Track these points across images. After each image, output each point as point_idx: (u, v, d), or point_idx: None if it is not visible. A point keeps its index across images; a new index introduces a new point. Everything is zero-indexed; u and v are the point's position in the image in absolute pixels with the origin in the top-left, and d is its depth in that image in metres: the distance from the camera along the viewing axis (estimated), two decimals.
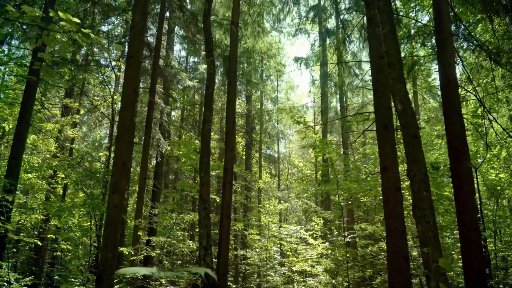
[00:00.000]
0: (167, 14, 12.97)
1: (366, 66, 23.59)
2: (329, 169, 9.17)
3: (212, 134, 27.26)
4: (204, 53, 17.22)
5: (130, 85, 6.56)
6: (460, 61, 7.17)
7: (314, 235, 12.69)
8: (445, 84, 6.38)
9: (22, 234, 16.50)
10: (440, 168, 7.53)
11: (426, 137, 10.84)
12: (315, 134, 8.97)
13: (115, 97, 19.77)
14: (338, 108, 24.46)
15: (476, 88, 7.21)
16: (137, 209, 11.07)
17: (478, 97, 6.45)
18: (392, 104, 6.07)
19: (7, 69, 14.62)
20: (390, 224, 4.93)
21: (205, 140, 6.77)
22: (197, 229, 7.40)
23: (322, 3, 22.00)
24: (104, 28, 17.64)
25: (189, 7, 11.06)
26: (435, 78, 20.06)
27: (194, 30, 12.51)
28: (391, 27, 4.36)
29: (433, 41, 11.19)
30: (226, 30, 10.38)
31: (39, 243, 10.40)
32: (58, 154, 16.77)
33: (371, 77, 6.03)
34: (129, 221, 12.93)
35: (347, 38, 21.30)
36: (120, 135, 6.29)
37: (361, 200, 8.56)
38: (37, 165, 15.16)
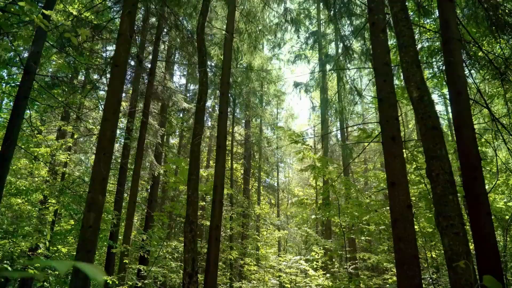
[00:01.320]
0: (166, 34, 12.70)
1: (367, 92, 23.33)
2: (330, 191, 8.55)
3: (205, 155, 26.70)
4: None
5: (114, 94, 6.06)
6: (469, 73, 6.70)
7: (315, 266, 11.89)
8: (455, 96, 5.88)
9: (6, 262, 15.65)
10: None
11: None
12: (314, 155, 8.42)
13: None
14: (339, 135, 24.02)
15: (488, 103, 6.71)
16: (124, 235, 10.36)
17: (490, 110, 5.92)
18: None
19: None
20: (401, 248, 4.29)
21: (194, 155, 6.20)
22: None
23: (322, 29, 21.92)
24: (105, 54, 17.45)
25: (185, 25, 10.72)
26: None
27: (191, 50, 12.18)
28: (402, 5, 3.87)
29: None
30: (221, 46, 10.05)
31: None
32: (48, 179, 16.16)
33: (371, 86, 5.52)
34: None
35: (348, 64, 21.10)
36: (100, 147, 5.73)
37: (364, 224, 7.88)
38: (24, 188, 14.52)
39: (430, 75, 9.77)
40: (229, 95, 13.75)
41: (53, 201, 15.42)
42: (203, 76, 7.01)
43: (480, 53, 10.13)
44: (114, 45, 16.32)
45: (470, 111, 5.84)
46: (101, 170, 5.49)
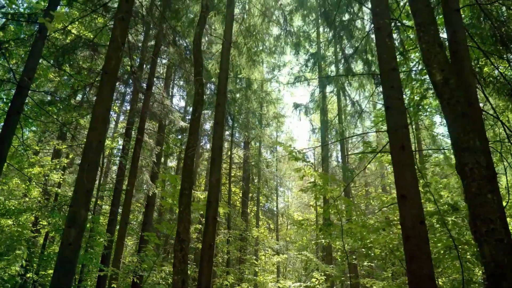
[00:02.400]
0: (164, 52, 12.48)
1: (366, 115, 23.06)
2: (331, 212, 8.07)
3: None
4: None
5: (103, 103, 5.69)
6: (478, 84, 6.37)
7: None
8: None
9: None
10: (461, 208, 6.46)
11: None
12: (316, 172, 7.99)
13: (107, 142, 18.95)
14: (339, 157, 23.63)
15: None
16: (115, 257, 9.80)
17: (503, 123, 5.56)
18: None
19: None
20: (414, 269, 3.82)
21: (187, 169, 5.78)
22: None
23: (322, 51, 21.86)
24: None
25: (183, 43, 10.49)
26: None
27: (190, 68, 11.92)
28: None
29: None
30: (218, 62, 9.79)
31: None
32: (40, 199, 15.66)
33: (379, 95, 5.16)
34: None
35: (348, 85, 20.97)
36: (85, 158, 5.31)
37: (367, 247, 7.36)
38: (13, 208, 13.97)
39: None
40: (229, 116, 13.44)
41: (44, 222, 14.87)
42: (199, 86, 6.67)
43: (486, 69, 9.85)
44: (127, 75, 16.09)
45: (483, 121, 5.48)
46: (84, 182, 5.06)
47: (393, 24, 5.43)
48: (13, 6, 14.98)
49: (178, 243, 5.15)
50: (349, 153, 21.08)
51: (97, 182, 20.11)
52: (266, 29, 9.56)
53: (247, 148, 20.58)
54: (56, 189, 17.28)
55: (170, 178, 7.29)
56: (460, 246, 6.45)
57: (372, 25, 10.05)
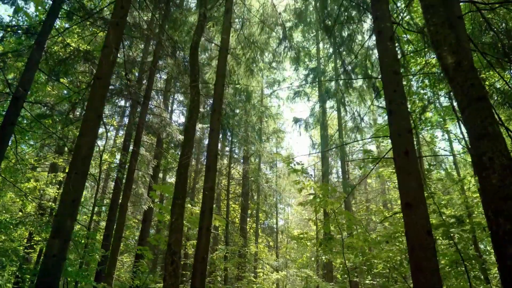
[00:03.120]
0: (162, 64, 12.36)
1: (367, 129, 22.89)
2: (332, 226, 7.77)
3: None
4: (202, 111, 16.54)
5: (93, 109, 5.48)
6: None
7: None
8: None
9: None
10: (466, 222, 6.17)
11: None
12: (315, 184, 7.73)
13: (105, 156, 18.70)
14: (340, 172, 23.34)
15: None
16: (107, 273, 9.45)
17: (508, 129, 5.32)
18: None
19: None
20: (420, 281, 3.53)
21: (181, 177, 5.53)
22: None
23: (321, 66, 21.82)
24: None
25: (182, 54, 10.37)
26: None
27: (187, 79, 11.76)
28: None
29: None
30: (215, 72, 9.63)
31: None
32: (33, 213, 15.34)
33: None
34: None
35: (348, 101, 20.85)
36: (73, 165, 5.07)
37: (369, 263, 7.02)
38: (5, 221, 13.61)
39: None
40: (228, 131, 13.24)
41: (38, 238, 14.50)
42: (195, 94, 6.47)
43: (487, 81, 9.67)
44: (114, 76, 16.00)
45: None
46: (70, 190, 4.80)
47: (394, 27, 5.24)
48: (12, 18, 14.97)
49: (169, 256, 4.86)
50: (350, 163, 20.80)
51: (93, 196, 19.78)
52: (265, 40, 9.43)
53: (247, 163, 20.31)
54: (52, 203, 16.96)
55: (164, 189, 7.02)
56: (466, 262, 6.14)
57: (370, 39, 9.93)
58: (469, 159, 13.16)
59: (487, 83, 9.66)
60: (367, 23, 11.90)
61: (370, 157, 6.44)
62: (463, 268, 5.76)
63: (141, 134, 11.07)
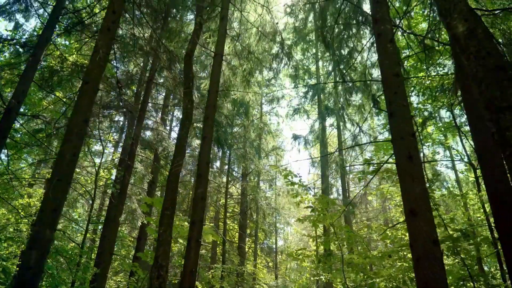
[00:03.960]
0: (159, 77, 12.18)
1: (368, 148, 22.62)
2: (331, 241, 7.42)
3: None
4: (200, 127, 16.30)
5: (80, 113, 5.22)
6: None
7: None
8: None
9: None
10: (471, 236, 5.82)
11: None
12: (313, 198, 7.40)
13: (101, 173, 18.33)
14: (340, 190, 22.97)
15: None
16: None
17: None
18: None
19: None
20: None
21: (171, 187, 5.22)
22: None
23: (321, 82, 21.72)
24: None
25: (177, 65, 10.18)
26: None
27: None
28: None
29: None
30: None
31: None
32: (24, 230, 14.89)
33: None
34: None
35: (348, 118, 20.66)
36: (56, 172, 4.78)
37: (372, 278, 6.61)
38: None
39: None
40: (226, 149, 12.98)
41: None
42: (188, 102, 6.24)
43: None
44: (114, 93, 15.78)
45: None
46: (50, 198, 4.50)
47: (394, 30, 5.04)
48: (8, 32, 14.88)
49: (155, 270, 4.51)
50: (351, 181, 20.44)
51: (87, 213, 19.33)
52: (262, 51, 9.26)
53: (245, 181, 19.95)
54: None
55: (155, 202, 6.70)
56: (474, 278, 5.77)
57: (370, 52, 9.75)
58: (472, 176, 12.83)
59: None
60: (366, 38, 11.81)
61: (371, 164, 6.13)
62: (471, 285, 5.39)
63: (135, 147, 10.79)
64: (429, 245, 3.35)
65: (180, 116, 22.43)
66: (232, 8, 8.89)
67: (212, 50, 8.31)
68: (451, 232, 5.57)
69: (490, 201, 4.48)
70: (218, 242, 18.43)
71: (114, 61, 11.69)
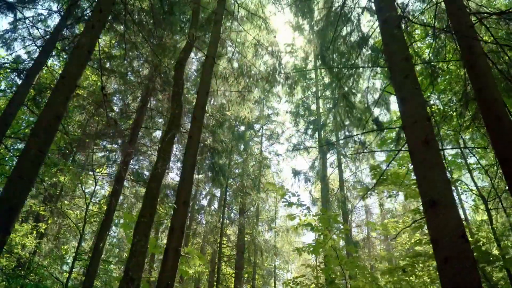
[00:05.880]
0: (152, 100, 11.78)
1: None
2: (334, 266, 6.61)
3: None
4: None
5: (52, 108, 4.68)
6: None
7: None
8: (494, 122, 4.52)
9: None
10: None
11: None
12: (313, 219, 6.68)
13: (92, 209, 17.50)
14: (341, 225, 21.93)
15: None
16: None
17: None
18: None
19: None
20: None
21: (151, 193, 4.59)
22: None
23: (321, 120, 21.39)
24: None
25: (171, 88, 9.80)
26: None
27: (183, 121, 11.11)
28: None
29: None
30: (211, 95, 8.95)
31: None
32: (6, 266, 13.91)
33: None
34: None
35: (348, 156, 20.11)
36: (19, 168, 4.17)
37: None
38: None
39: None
40: (224, 183, 12.36)
41: None
42: (176, 107, 5.74)
43: None
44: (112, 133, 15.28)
45: None
46: (8, 195, 3.86)
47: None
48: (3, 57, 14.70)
49: (125, 283, 3.77)
50: (354, 223, 19.55)
51: (74, 249, 18.27)
52: (258, 57, 8.88)
53: (242, 216, 19.04)
54: (29, 254, 15.59)
55: (129, 218, 5.96)
56: None
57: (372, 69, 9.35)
58: (482, 208, 12.05)
59: None
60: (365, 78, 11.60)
61: (377, 173, 5.49)
62: None
63: (125, 171, 10.16)
64: (457, 241, 2.68)
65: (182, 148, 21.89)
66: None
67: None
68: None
69: None
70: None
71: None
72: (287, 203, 6.95)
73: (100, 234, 9.14)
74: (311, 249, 7.55)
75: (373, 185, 5.66)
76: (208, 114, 11.11)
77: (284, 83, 9.97)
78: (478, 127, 8.19)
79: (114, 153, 16.39)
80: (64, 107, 4.84)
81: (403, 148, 3.85)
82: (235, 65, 8.59)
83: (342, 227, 6.45)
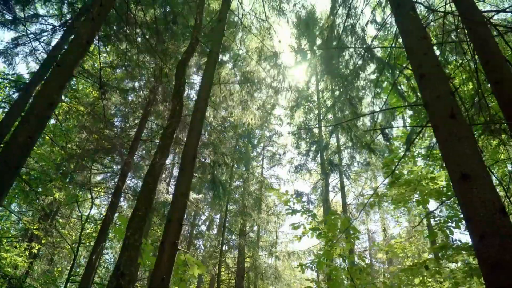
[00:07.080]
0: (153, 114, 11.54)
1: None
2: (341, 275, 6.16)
3: None
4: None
5: (46, 95, 4.42)
6: None
7: None
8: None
9: None
10: None
11: None
12: (321, 225, 6.28)
13: (88, 229, 17.00)
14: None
15: None
16: None
17: None
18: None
19: None
20: (501, 281, 2.13)
21: (147, 188, 4.26)
22: None
23: (323, 141, 21.14)
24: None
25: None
26: None
27: (182, 128, 10.84)
28: None
29: None
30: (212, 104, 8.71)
31: None
32: None
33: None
34: None
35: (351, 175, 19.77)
36: (3, 155, 3.85)
37: None
38: None
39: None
40: (219, 188, 11.98)
41: None
42: (177, 103, 5.48)
43: None
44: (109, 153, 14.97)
45: None
46: None
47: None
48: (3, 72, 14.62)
49: (115, 279, 3.38)
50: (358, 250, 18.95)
51: (67, 272, 17.60)
52: (260, 77, 8.72)
53: (243, 236, 18.45)
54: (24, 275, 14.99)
55: (123, 221, 5.57)
56: None
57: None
58: None
59: None
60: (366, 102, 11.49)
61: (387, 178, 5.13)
62: None
63: (123, 184, 9.81)
64: (497, 216, 2.34)
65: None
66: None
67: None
68: None
69: None
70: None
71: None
72: (290, 211, 6.57)
73: (94, 248, 8.70)
74: (315, 264, 7.14)
75: (386, 185, 5.30)
76: (209, 128, 10.86)
77: (287, 93, 9.77)
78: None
79: (113, 168, 16.07)
80: (58, 95, 4.57)
81: (428, 125, 3.54)
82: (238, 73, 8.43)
83: (351, 232, 6.04)
